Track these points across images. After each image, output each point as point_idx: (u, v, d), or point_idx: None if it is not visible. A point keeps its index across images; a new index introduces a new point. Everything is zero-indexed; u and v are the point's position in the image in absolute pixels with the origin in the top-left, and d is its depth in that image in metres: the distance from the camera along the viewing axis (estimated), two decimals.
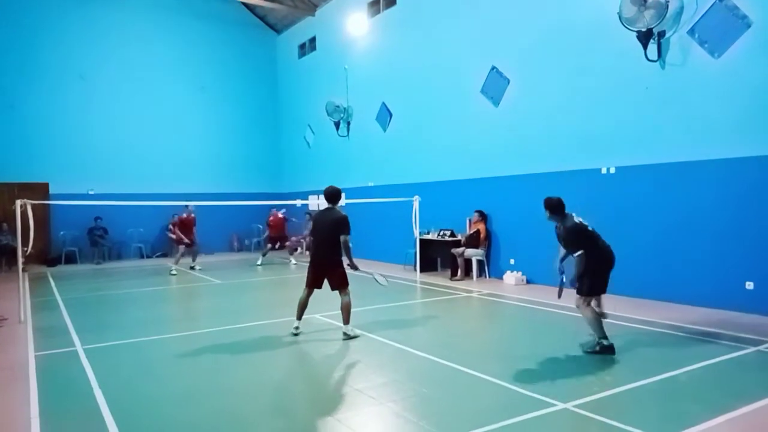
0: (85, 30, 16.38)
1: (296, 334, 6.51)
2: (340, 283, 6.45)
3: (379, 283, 7.24)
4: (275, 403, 4.46)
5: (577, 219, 5.69)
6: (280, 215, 14.97)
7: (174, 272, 12.80)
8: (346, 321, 6.47)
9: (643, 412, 4.03)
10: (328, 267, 6.46)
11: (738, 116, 7.43)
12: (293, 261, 14.82)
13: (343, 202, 7.25)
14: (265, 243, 15.73)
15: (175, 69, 17.86)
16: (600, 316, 5.77)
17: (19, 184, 14.91)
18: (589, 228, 5.69)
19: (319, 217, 6.69)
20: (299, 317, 6.63)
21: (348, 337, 6.40)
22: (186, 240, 13.35)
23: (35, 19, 15.67)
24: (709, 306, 7.62)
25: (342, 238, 6.30)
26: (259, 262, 14.40)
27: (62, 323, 7.62)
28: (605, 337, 5.55)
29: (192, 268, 13.69)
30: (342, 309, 6.43)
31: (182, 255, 13.45)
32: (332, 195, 6.55)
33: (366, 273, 6.94)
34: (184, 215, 13.47)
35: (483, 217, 11.13)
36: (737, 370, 5.09)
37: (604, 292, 5.86)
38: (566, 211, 5.71)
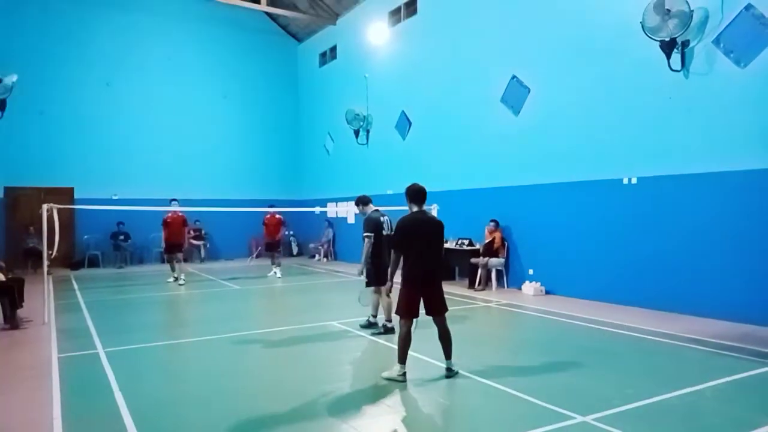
0: (111, 38, 16.76)
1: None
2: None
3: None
4: (291, 407, 4.45)
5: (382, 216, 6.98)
6: (277, 216, 13.42)
7: (182, 282, 11.89)
8: (400, 359, 5.08)
9: (667, 427, 3.94)
10: None
11: (764, 126, 7.28)
12: (277, 273, 13.28)
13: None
14: (262, 250, 14.58)
15: (199, 76, 18.16)
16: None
17: (45, 188, 15.24)
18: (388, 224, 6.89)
19: None
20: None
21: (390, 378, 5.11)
22: (165, 243, 12.11)
23: (64, 27, 16.08)
24: (732, 319, 7.44)
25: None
26: (279, 274, 13.18)
27: (84, 326, 7.74)
28: (389, 320, 6.83)
29: (175, 279, 12.15)
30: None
31: (177, 261, 12.22)
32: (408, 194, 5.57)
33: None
34: (169, 214, 12.11)
35: (498, 226, 11.06)
36: (764, 385, 4.96)
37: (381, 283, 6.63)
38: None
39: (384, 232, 6.96)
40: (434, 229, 5.22)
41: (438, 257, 5.22)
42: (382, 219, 7.03)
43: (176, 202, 12.39)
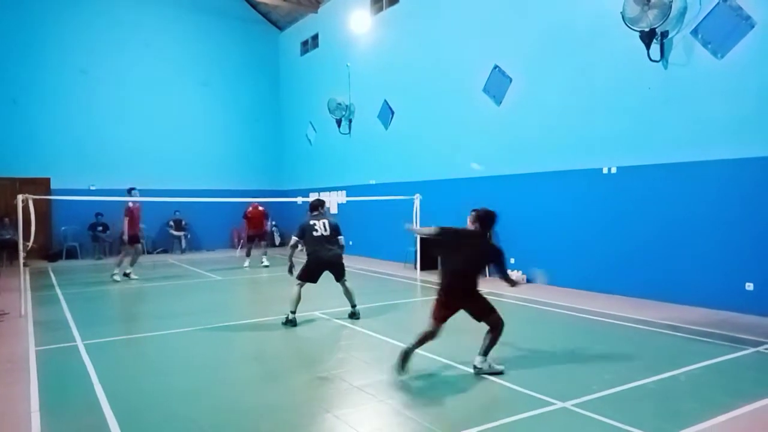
0: (87, 24, 16.38)
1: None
2: None
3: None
4: (274, 398, 4.46)
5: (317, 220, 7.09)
6: (261, 208, 13.58)
7: (135, 276, 11.28)
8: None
9: (643, 411, 4.03)
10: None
11: (740, 117, 7.42)
12: (264, 261, 13.31)
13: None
14: (245, 242, 14.27)
15: (178, 64, 17.85)
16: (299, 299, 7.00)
17: (21, 178, 14.92)
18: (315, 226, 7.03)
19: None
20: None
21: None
22: (127, 236, 11.07)
23: (37, 13, 15.65)
24: (708, 306, 7.61)
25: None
26: (246, 264, 13.19)
27: (63, 318, 7.63)
28: (293, 312, 6.93)
29: (126, 275, 11.21)
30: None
31: (127, 254, 11.43)
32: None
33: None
34: (130, 204, 10.99)
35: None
36: (737, 370, 5.09)
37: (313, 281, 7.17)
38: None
39: (315, 234, 7.08)
40: (477, 250, 5.19)
41: (472, 278, 5.07)
42: (311, 222, 7.13)
43: (136, 191, 11.11)
